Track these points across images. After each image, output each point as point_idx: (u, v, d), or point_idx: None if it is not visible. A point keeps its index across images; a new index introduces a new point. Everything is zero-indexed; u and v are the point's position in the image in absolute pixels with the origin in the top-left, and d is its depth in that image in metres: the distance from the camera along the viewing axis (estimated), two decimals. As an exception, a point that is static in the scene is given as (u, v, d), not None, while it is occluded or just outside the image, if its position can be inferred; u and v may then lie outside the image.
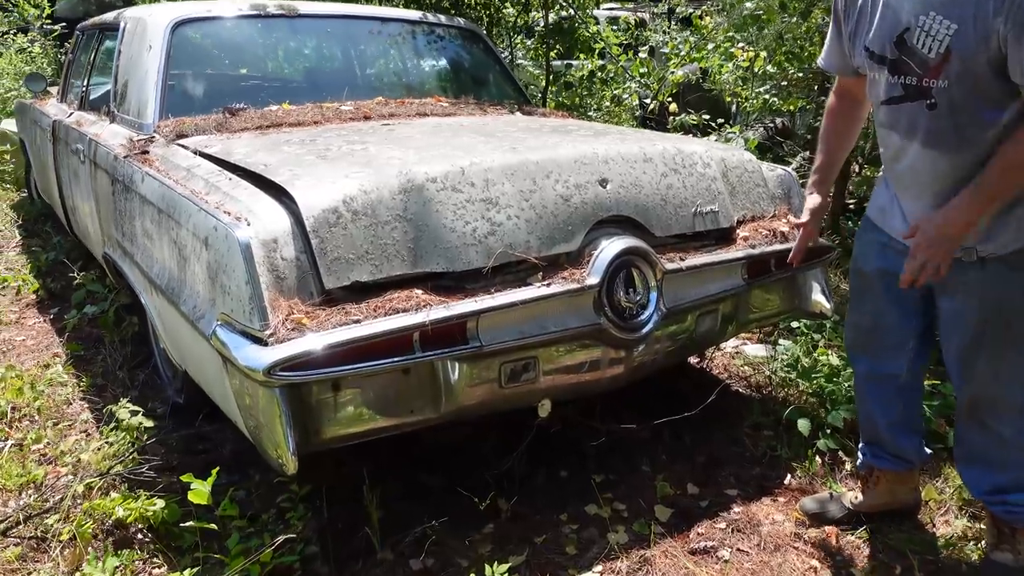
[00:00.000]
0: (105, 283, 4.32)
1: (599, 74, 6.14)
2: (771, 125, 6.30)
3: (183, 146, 3.13)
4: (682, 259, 2.84)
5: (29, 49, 11.61)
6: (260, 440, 2.24)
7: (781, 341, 3.92)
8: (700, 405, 3.27)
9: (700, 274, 2.90)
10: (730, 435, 3.31)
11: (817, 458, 3.10)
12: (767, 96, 5.45)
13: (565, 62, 6.67)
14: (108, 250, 3.68)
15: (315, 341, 2.10)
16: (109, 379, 3.75)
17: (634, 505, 2.81)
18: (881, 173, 2.51)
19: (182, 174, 2.84)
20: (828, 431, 3.15)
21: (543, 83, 6.10)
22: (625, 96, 6.30)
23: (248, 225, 2.27)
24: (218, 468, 2.38)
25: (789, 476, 3.02)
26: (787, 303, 3.39)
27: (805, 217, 2.68)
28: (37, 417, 3.34)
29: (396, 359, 2.24)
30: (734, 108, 6.90)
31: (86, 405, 3.50)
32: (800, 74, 5.98)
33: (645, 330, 2.70)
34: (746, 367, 3.93)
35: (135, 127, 3.60)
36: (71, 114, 4.83)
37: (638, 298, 2.68)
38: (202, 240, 2.40)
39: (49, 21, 11.89)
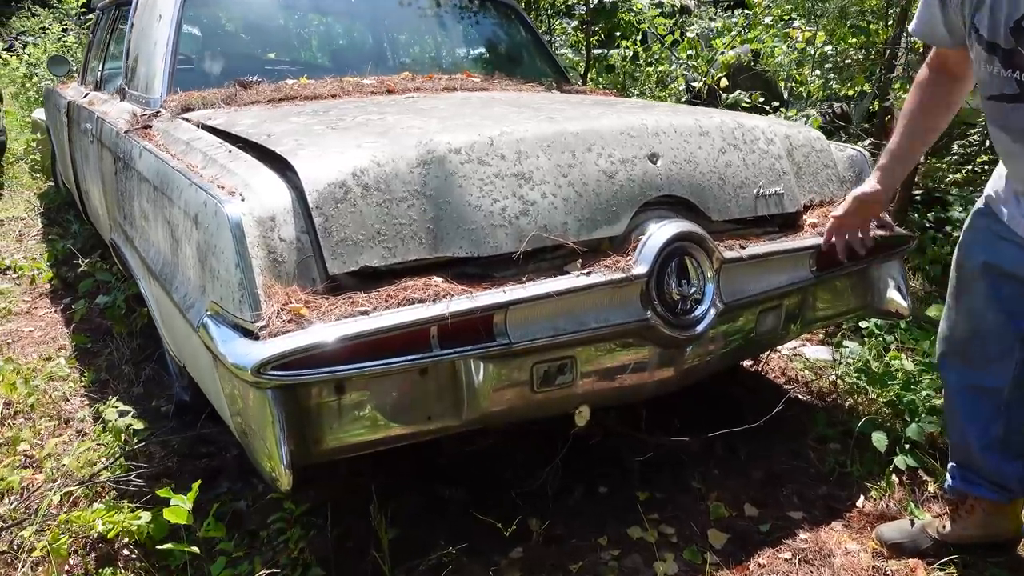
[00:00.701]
0: (114, 271, 4.08)
1: (643, 55, 5.76)
2: (828, 111, 5.86)
3: (187, 120, 2.84)
4: (742, 247, 2.47)
5: (64, 39, 11.57)
6: (252, 449, 1.93)
7: (846, 343, 3.51)
8: (756, 414, 2.90)
9: (763, 264, 2.53)
10: (791, 448, 2.93)
11: (894, 477, 2.71)
12: (828, 76, 5.01)
13: (606, 51, 6.30)
14: (114, 235, 3.42)
15: (315, 335, 1.79)
16: (114, 374, 3.50)
17: (684, 529, 2.45)
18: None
19: (180, 148, 2.55)
20: (907, 446, 2.75)
21: (582, 67, 5.74)
22: (670, 80, 5.91)
23: (242, 200, 1.96)
24: (200, 482, 2.07)
25: (862, 498, 2.64)
26: (858, 300, 3.00)
27: (842, 208, 2.32)
28: (32, 414, 3.09)
29: (411, 357, 1.92)
30: (787, 94, 6.46)
31: (85, 402, 3.25)
32: (862, 55, 5.54)
33: (700, 328, 2.34)
34: (807, 371, 3.54)
35: (143, 103, 3.34)
36: (86, 95, 4.62)
37: (692, 291, 2.32)
38: (192, 218, 2.10)
39: (85, 10, 11.84)
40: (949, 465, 2.37)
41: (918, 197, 5.13)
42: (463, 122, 2.36)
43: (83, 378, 3.45)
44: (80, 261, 4.21)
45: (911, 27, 2.17)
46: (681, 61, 5.72)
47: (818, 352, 3.69)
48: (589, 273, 2.16)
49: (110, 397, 2.87)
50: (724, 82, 5.13)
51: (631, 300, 2.25)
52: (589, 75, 5.81)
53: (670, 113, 2.64)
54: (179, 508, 1.90)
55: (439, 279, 2.02)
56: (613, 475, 2.69)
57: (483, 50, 4.27)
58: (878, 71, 5.60)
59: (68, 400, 3.22)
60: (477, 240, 2.06)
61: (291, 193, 2.01)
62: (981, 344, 2.15)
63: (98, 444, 2.73)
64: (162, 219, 2.43)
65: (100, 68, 4.67)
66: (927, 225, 4.82)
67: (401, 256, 2.02)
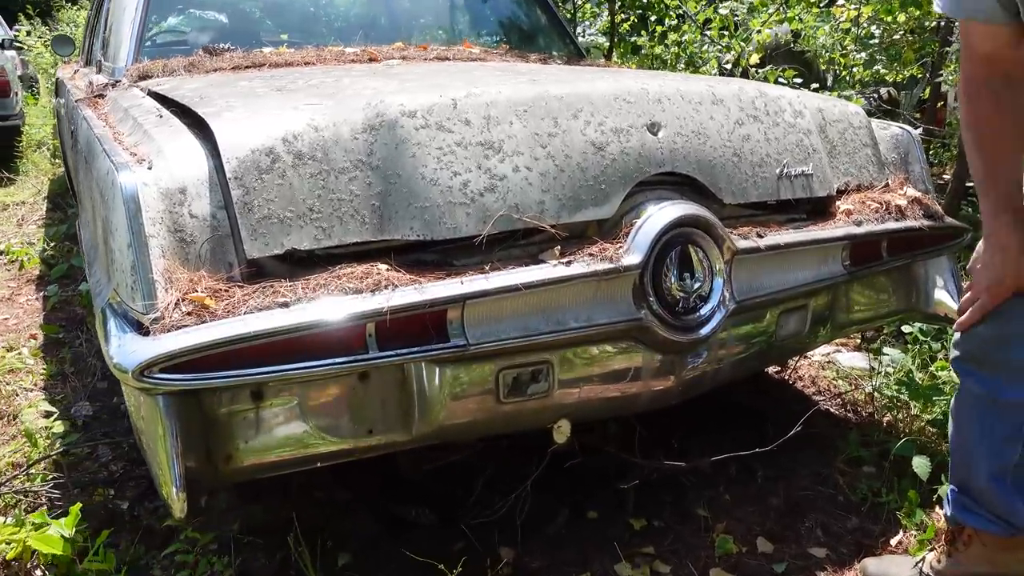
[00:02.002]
0: (91, 256, 3.84)
1: (672, 36, 5.35)
2: (874, 95, 5.38)
3: (138, 87, 2.56)
4: (760, 235, 2.09)
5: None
6: (150, 468, 1.62)
7: (886, 350, 3.09)
8: (779, 430, 2.52)
9: (785, 257, 2.15)
10: (818, 471, 2.54)
11: (938, 509, 2.30)
12: (873, 58, 4.55)
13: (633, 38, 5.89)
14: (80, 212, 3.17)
15: (213, 332, 1.47)
16: (79, 367, 3.24)
17: (682, 568, 2.08)
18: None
19: (119, 116, 2.26)
20: (954, 474, 2.34)
21: (607, 46, 5.36)
22: (702, 63, 5.49)
23: (149, 169, 1.65)
24: (80, 505, 1.77)
25: (900, 533, 2.24)
26: (901, 301, 2.59)
27: (987, 279, 1.73)
28: (-21, 409, 2.85)
29: (339, 360, 1.59)
30: (830, 78, 5.99)
31: (42, 396, 2.99)
32: (911, 36, 5.05)
33: (705, 330, 1.97)
34: (840, 381, 3.13)
35: (109, 72, 3.07)
36: (76, 71, 4.40)
37: (697, 286, 1.95)
38: (100, 190, 1.80)
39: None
40: (949, 487, 1.97)
41: (972, 189, 4.64)
42: (427, 83, 2.02)
43: (44, 371, 3.20)
44: (46, 244, 3.97)
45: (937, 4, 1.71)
46: (714, 41, 5.29)
47: (853, 359, 3.28)
48: (569, 262, 1.80)
49: (35, 394, 2.59)
50: (755, 58, 4.70)
51: (621, 296, 1.89)
52: (614, 55, 5.43)
53: (679, 79, 2.27)
54: (50, 537, 1.60)
55: (384, 266, 1.69)
56: (605, 497, 2.33)
57: (489, 21, 3.93)
58: (930, 51, 5.12)
59: (18, 395, 2.96)
60: (432, 221, 1.72)
61: (209, 162, 1.69)
62: (1007, 349, 1.74)
63: (28, 446, 2.46)
64: (87, 193, 2.14)
65: (90, 44, 4.45)
66: (981, 219, 4.34)
67: (338, 238, 1.69)
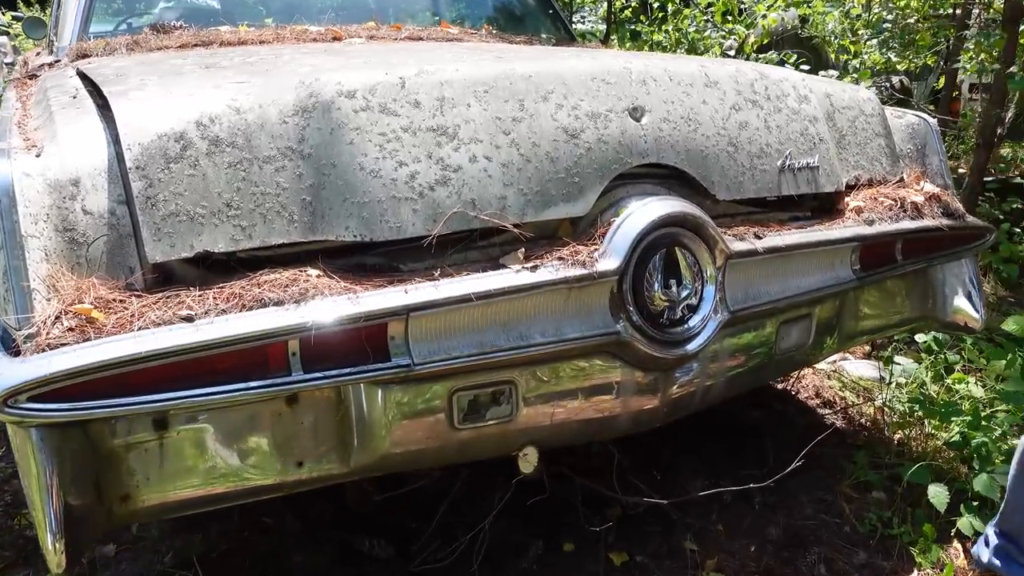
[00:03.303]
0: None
1: (672, 21, 5.08)
2: (885, 85, 5.11)
3: (72, 67, 2.31)
4: (758, 236, 1.84)
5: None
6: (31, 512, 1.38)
7: (898, 359, 2.84)
8: (780, 448, 2.28)
9: (787, 260, 1.90)
10: (821, 497, 2.29)
11: (956, 544, 2.06)
12: (887, 42, 4.28)
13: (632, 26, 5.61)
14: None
15: (97, 352, 1.22)
16: None
17: (667, 613, 1.84)
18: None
19: (39, 97, 2.01)
20: (974, 503, 2.09)
21: (603, 32, 5.09)
22: (703, 50, 5.22)
23: (37, 157, 1.41)
24: None
25: (915, 572, 1.99)
26: (916, 308, 2.34)
27: None
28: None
29: (255, 385, 1.35)
30: (842, 67, 5.71)
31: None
32: (925, 22, 4.77)
33: (693, 345, 1.73)
34: (847, 393, 2.88)
35: (54, 52, 2.83)
36: (38, 53, 4.15)
37: (684, 295, 1.70)
38: (-11, 182, 1.55)
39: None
40: (989, 529, 1.73)
41: (990, 185, 4.37)
42: (375, 61, 1.77)
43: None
44: None
45: None
46: (717, 26, 5.02)
47: (862, 368, 3.02)
48: (535, 268, 1.56)
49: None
50: (753, 40, 4.42)
51: (596, 306, 1.64)
52: (613, 42, 5.16)
53: (666, 58, 2.01)
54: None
55: (315, 272, 1.44)
56: (583, 527, 2.08)
57: (477, 4, 3.66)
58: (945, 39, 4.84)
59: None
60: (372, 219, 1.47)
61: (110, 149, 1.45)
62: None
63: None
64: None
65: (53, 24, 4.21)
66: (1001, 217, 4.08)
67: (261, 239, 1.44)
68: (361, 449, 1.52)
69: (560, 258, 1.59)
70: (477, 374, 1.56)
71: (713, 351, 1.84)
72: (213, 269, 1.44)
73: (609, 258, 1.61)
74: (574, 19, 6.26)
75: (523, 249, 1.58)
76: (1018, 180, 4.30)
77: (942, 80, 5.43)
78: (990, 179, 4.47)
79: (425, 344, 1.47)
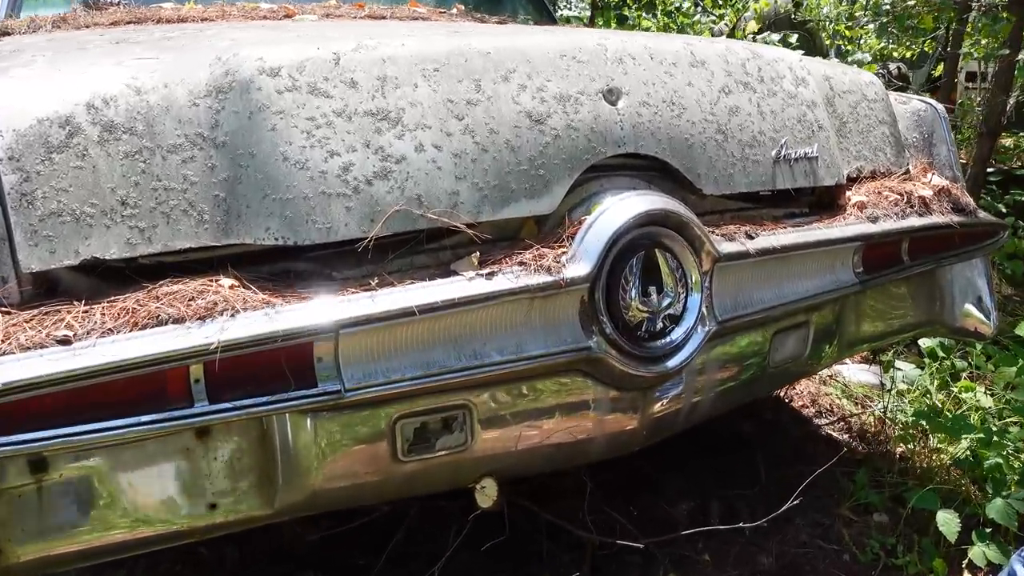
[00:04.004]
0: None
1: (661, 5, 4.85)
2: (883, 72, 4.90)
3: (-12, 45, 2.07)
4: (750, 236, 1.63)
5: None
6: None
7: (899, 364, 2.65)
8: (773, 463, 2.08)
9: (782, 263, 1.69)
10: (818, 520, 2.09)
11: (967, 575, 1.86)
12: (884, 28, 4.07)
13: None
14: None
15: (-59, 383, 1.00)
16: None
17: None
18: None
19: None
20: (987, 530, 1.89)
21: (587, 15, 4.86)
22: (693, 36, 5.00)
23: None
24: None
25: (921, 609, 1.79)
26: (922, 312, 2.14)
27: None
28: None
29: (149, 419, 1.13)
30: (833, 53, 5.50)
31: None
32: (928, 4, 4.55)
33: (676, 360, 1.52)
34: (845, 401, 2.68)
35: (-18, 32, 2.59)
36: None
37: (666, 303, 1.49)
38: None
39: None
40: (1016, 563, 1.54)
41: (992, 176, 4.18)
42: (310, 35, 1.55)
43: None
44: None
45: None
46: (707, 10, 4.80)
47: (861, 373, 2.83)
48: (491, 275, 1.34)
49: None
50: (752, 26, 4.21)
51: (564, 318, 1.43)
52: (597, 24, 4.93)
53: (647, 36, 1.79)
54: None
55: (229, 282, 1.22)
56: (555, 558, 1.87)
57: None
58: (944, 25, 4.63)
59: None
60: (296, 219, 1.25)
61: (-18, 137, 1.22)
62: None
63: None
64: None
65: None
66: (1004, 211, 3.88)
67: (163, 243, 1.22)
68: (287, 487, 1.31)
69: (521, 263, 1.37)
70: (424, 398, 1.35)
71: (699, 365, 1.63)
72: (108, 279, 1.21)
73: (579, 263, 1.40)
74: (559, 4, 6.03)
75: (478, 253, 1.36)
76: (1021, 171, 4.10)
77: (940, 68, 5.23)
78: (991, 170, 4.27)
79: (360, 366, 1.26)
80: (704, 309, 1.54)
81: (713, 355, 1.66)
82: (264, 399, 1.19)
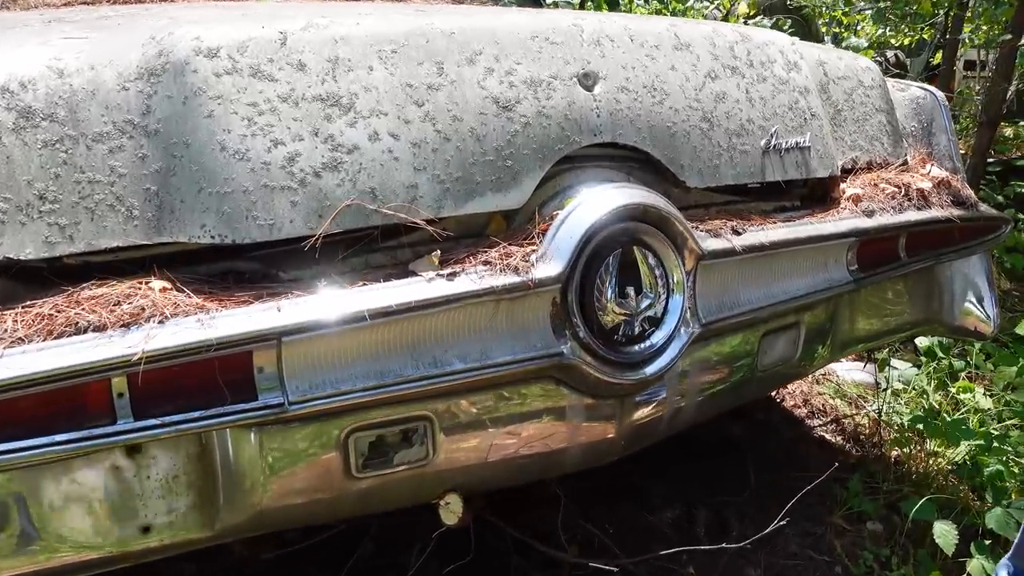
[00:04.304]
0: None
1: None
2: (879, 59, 4.78)
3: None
4: (737, 232, 1.52)
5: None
6: None
7: (895, 362, 2.55)
8: (763, 468, 1.98)
9: (772, 261, 1.58)
10: (809, 529, 1.99)
11: (966, 588, 1.77)
12: (883, 17, 3.95)
13: None
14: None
15: None
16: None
17: None
18: None
19: None
20: (986, 542, 1.79)
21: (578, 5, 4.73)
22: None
23: None
24: None
25: (917, 626, 1.70)
26: (919, 310, 2.04)
27: None
28: None
29: (65, 439, 1.02)
30: (829, 41, 5.38)
31: None
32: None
33: (656, 366, 1.41)
34: (838, 401, 2.58)
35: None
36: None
37: (645, 305, 1.38)
38: None
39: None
40: (1002, 569, 1.46)
41: (992, 168, 4.07)
42: (254, 12, 1.43)
43: None
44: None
45: None
46: (700, -4, 4.67)
47: (855, 371, 2.73)
48: (453, 275, 1.23)
49: None
50: (744, 8, 4.09)
51: (533, 321, 1.32)
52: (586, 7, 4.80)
53: (627, 17, 1.67)
54: None
55: (160, 284, 1.11)
56: (527, 573, 1.76)
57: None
58: (944, 11, 4.51)
59: None
60: (236, 214, 1.14)
61: None
62: None
63: None
64: None
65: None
66: (1003, 202, 3.78)
67: (87, 241, 1.11)
68: (229, 507, 1.20)
69: (487, 262, 1.26)
70: (380, 410, 1.24)
71: (682, 369, 1.52)
72: (24, 282, 1.10)
73: (550, 261, 1.29)
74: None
75: (438, 252, 1.25)
76: (1022, 162, 3.99)
77: (939, 55, 5.11)
78: (990, 160, 4.17)
79: (306, 376, 1.15)
80: (687, 311, 1.44)
81: (697, 359, 1.56)
82: (197, 414, 1.08)
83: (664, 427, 1.61)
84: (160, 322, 1.05)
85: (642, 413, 1.53)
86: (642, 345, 1.40)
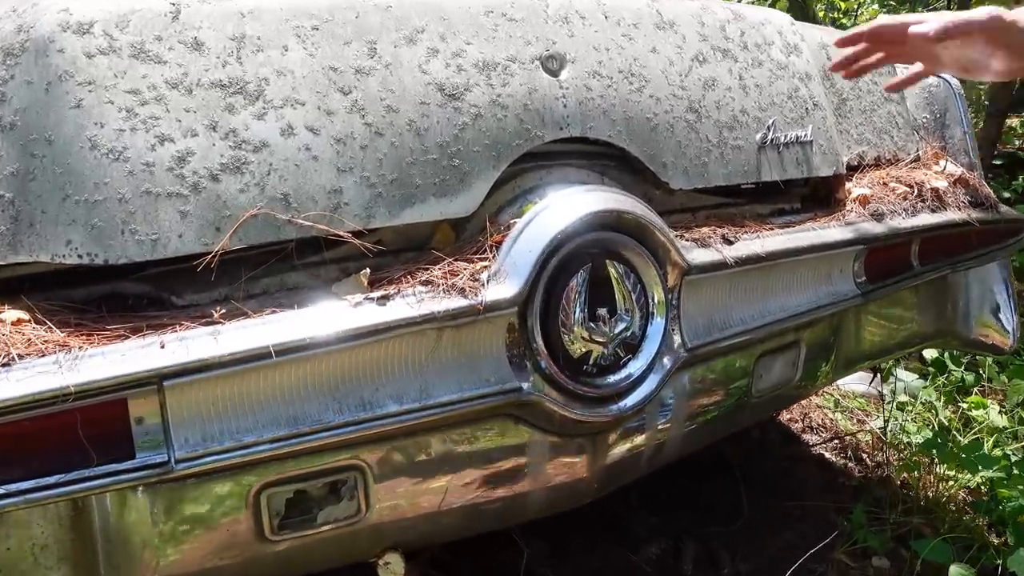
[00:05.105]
0: None
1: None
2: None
3: None
4: (729, 241, 1.32)
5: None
6: None
7: (899, 373, 2.35)
8: (755, 495, 1.79)
9: (768, 274, 1.37)
10: (808, 567, 1.79)
11: (984, 636, 1.57)
12: (884, 5, 3.73)
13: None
14: None
15: None
16: None
17: None
18: None
19: None
20: (1009, 585, 1.60)
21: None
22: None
23: None
24: None
25: None
26: (930, 322, 1.85)
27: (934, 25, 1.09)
28: None
29: None
30: (830, 24, 5.16)
31: None
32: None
33: (633, 399, 1.20)
34: (839, 415, 2.38)
35: None
36: None
37: (621, 329, 1.17)
38: None
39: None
40: None
41: (998, 161, 3.86)
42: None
43: None
44: None
45: None
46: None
47: (856, 384, 2.52)
48: (385, 298, 1.02)
49: None
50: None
51: (485, 352, 1.11)
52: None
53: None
54: None
55: (15, 315, 0.90)
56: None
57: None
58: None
59: None
60: (109, 228, 0.92)
61: None
62: None
63: None
64: None
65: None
66: (1011, 197, 3.58)
67: (-81, 262, 0.89)
68: (113, 580, 0.99)
69: (428, 282, 1.05)
70: (297, 461, 1.03)
71: (665, 399, 1.32)
72: None
73: (505, 280, 1.08)
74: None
75: (367, 270, 1.04)
76: (1029, 154, 3.80)
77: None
78: (998, 151, 3.96)
79: (198, 427, 0.93)
80: (670, 335, 1.23)
81: (682, 386, 1.35)
82: (55, 479, 0.86)
83: (645, 464, 1.40)
84: (5, 365, 0.84)
85: (619, 450, 1.32)
86: (617, 376, 1.19)
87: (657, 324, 1.21)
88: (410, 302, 1.02)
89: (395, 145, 1.07)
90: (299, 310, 0.98)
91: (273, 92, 1.01)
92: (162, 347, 0.90)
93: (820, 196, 1.57)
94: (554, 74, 1.20)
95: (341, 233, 1.01)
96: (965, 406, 2.18)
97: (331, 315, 0.98)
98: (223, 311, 0.95)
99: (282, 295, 1.03)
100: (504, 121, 1.14)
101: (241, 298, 0.99)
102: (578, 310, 1.13)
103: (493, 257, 1.10)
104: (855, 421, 2.35)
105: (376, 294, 1.02)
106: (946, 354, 2.23)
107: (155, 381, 0.89)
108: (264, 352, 0.92)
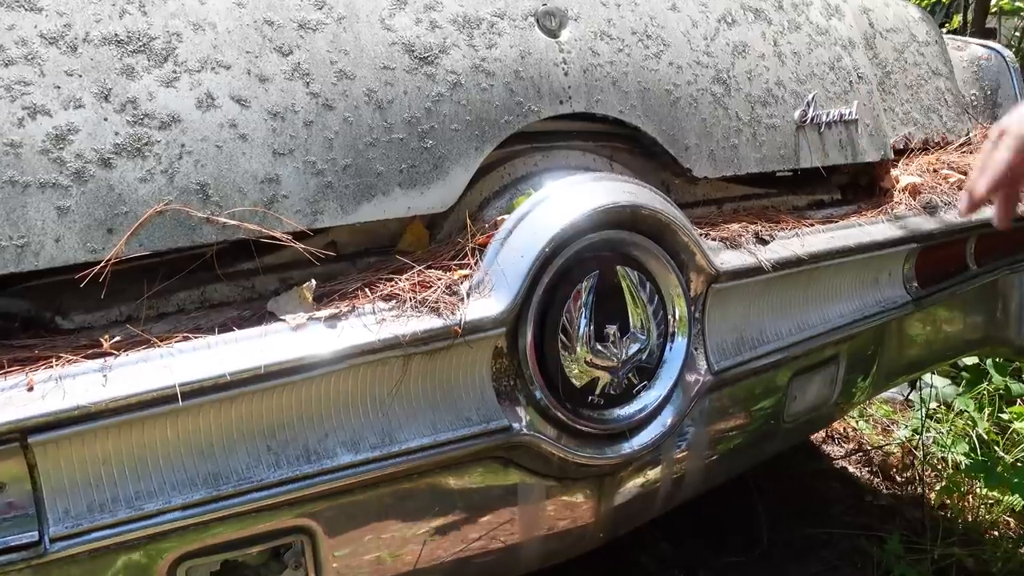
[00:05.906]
0: None
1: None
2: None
3: None
4: (763, 240, 1.09)
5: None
6: None
7: (932, 379, 2.13)
8: (774, 523, 1.57)
9: (809, 279, 1.14)
10: (839, 605, 1.59)
11: None
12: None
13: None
14: None
15: None
16: None
17: None
18: None
19: None
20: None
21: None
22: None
23: None
24: None
25: None
26: (978, 328, 1.63)
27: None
28: None
29: None
30: None
31: None
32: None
33: (648, 437, 0.98)
34: (864, 424, 2.16)
35: None
36: None
37: (634, 351, 0.94)
38: None
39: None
40: None
41: None
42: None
43: None
44: None
45: None
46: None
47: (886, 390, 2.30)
48: (334, 319, 0.79)
49: None
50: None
51: (466, 383, 0.88)
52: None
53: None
54: None
55: None
56: None
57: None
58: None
59: None
60: (-38, 229, 0.69)
61: None
62: None
63: None
64: None
65: None
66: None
67: None
68: None
69: (391, 296, 0.82)
70: (224, 527, 0.80)
71: (683, 428, 1.10)
72: None
73: (491, 293, 0.85)
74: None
75: (313, 282, 0.81)
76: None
77: (956, 19, 4.67)
78: None
79: (81, 495, 0.71)
80: (693, 356, 1.01)
81: (704, 411, 1.13)
82: None
83: (660, 504, 1.18)
84: None
85: (629, 489, 1.10)
86: (628, 409, 0.97)
87: (678, 344, 0.98)
88: (368, 323, 0.79)
89: (349, 121, 0.83)
90: (220, 335, 0.75)
91: (187, 51, 0.78)
92: (30, 389, 0.67)
93: (862, 184, 1.35)
94: (553, 34, 0.97)
95: (277, 235, 0.78)
96: (1007, 416, 1.96)
97: (264, 341, 0.75)
98: (117, 338, 0.73)
99: (201, 315, 0.80)
100: (490, 92, 0.91)
101: (144, 319, 0.76)
102: (582, 328, 0.91)
103: (475, 264, 0.87)
104: (880, 430, 2.14)
105: (324, 313, 0.79)
106: (988, 361, 2.01)
107: (18, 437, 0.66)
108: (169, 395, 0.69)
